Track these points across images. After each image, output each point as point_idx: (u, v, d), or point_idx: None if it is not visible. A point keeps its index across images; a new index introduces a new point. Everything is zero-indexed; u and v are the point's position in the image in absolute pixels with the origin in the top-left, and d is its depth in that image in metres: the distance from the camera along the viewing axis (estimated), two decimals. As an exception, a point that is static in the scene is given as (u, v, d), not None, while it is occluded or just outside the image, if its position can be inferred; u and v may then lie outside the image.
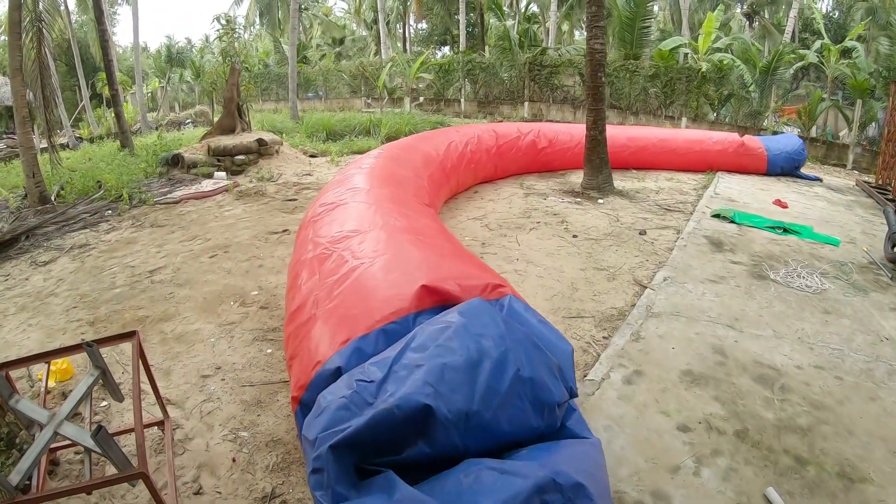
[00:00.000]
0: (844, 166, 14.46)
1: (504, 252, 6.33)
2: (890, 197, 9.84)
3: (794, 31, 21.74)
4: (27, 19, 8.60)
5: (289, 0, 19.72)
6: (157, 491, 2.09)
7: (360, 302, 2.80)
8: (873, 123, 15.28)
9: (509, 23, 26.34)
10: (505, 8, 29.39)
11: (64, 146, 18.19)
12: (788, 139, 11.87)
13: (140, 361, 2.74)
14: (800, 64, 17.97)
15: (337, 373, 2.39)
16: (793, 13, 21.08)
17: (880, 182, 11.17)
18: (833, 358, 4.26)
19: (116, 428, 3.10)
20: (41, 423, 2.14)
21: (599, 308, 4.95)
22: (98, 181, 8.98)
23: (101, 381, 2.54)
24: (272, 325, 4.39)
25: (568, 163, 11.12)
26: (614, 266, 5.99)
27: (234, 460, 2.87)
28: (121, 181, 8.88)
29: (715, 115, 18.40)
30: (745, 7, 24.86)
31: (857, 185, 11.77)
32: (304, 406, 2.49)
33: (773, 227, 7.65)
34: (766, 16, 25.15)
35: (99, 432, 1.98)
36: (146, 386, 3.08)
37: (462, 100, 23.06)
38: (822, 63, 17.56)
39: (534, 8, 32.24)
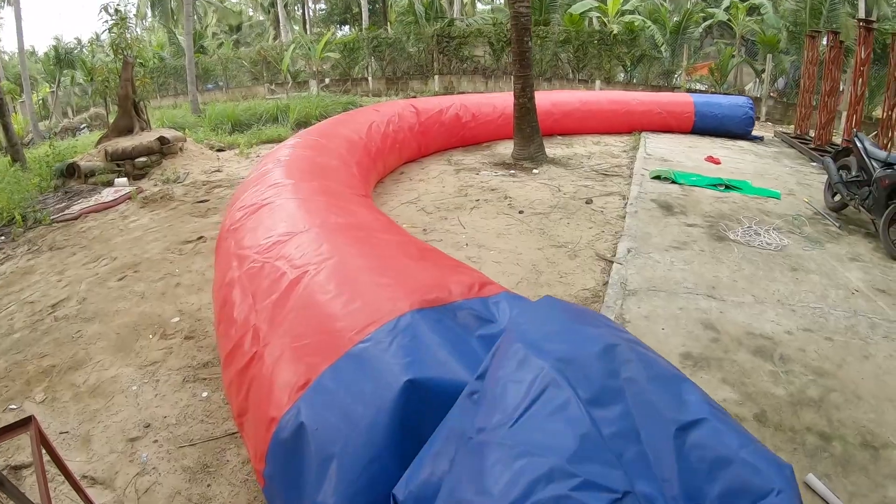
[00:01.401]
0: (758, 118, 14.84)
1: (450, 237, 5.82)
2: (812, 146, 10.06)
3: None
4: None
5: (179, -14, 18.19)
6: None
7: (313, 324, 2.18)
8: (781, 77, 15.77)
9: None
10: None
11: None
12: (735, 102, 11.77)
13: (46, 452, 2.06)
14: (709, 22, 18.32)
15: (300, 430, 1.78)
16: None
17: (799, 132, 11.45)
18: (816, 318, 4.12)
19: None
20: None
21: (570, 291, 4.56)
22: (-12, 205, 7.71)
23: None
24: (203, 360, 3.68)
25: (492, 134, 10.75)
26: (571, 241, 5.64)
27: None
28: (12, 201, 7.65)
29: (627, 76, 18.55)
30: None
31: (776, 136, 12.05)
32: (270, 483, 1.90)
33: (714, 185, 7.57)
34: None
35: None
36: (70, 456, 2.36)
37: (370, 78, 22.22)
38: (731, 20, 17.96)
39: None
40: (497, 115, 10.57)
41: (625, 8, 18.81)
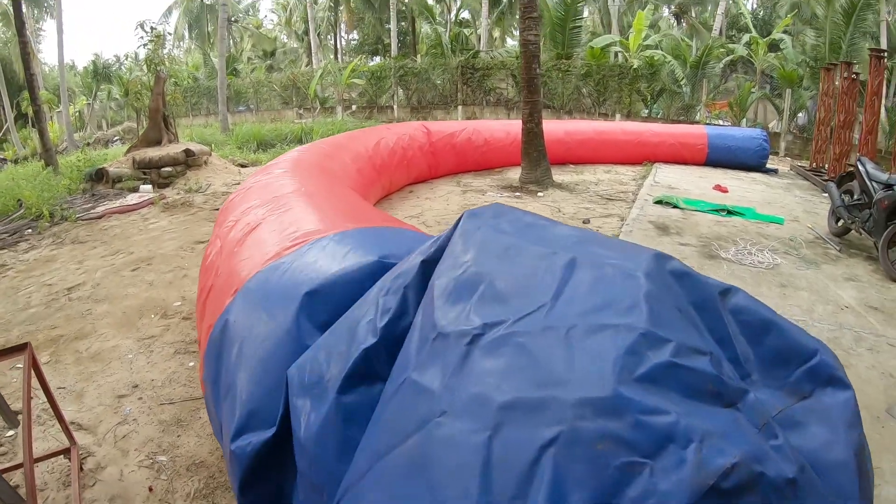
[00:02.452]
0: (777, 154, 14.90)
1: (450, 249, 6.00)
2: (826, 178, 10.08)
3: (721, 29, 22.36)
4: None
5: (217, 11, 19.01)
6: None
7: (255, 249, 2.48)
8: (802, 112, 15.84)
9: (441, 29, 26.24)
10: (437, 17, 29.41)
11: (-14, 168, 16.98)
12: (749, 134, 11.84)
13: (37, 379, 2.29)
14: (729, 58, 18.50)
15: (225, 328, 2.01)
16: (720, 10, 21.74)
17: (814, 165, 11.48)
18: (797, 330, 4.15)
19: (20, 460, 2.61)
20: None
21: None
22: (18, 200, 8.21)
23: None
24: (195, 336, 3.92)
25: (505, 160, 10.92)
26: (567, 255, 5.76)
27: (150, 489, 2.43)
28: (41, 198, 8.14)
29: (648, 110, 18.74)
30: (673, 7, 25.55)
31: (791, 169, 12.09)
32: (206, 384, 2.13)
33: (716, 210, 7.65)
34: (694, 15, 25.95)
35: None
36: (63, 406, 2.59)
37: (395, 106, 22.78)
38: (751, 56, 18.13)
39: (465, 15, 32.35)
40: (510, 141, 10.75)
41: (646, 43, 19.10)
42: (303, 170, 4.80)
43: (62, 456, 2.53)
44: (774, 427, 1.05)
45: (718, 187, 9.30)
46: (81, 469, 2.50)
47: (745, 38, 18.67)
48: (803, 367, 1.22)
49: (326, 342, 1.58)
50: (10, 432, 2.84)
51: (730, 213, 7.56)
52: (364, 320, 1.49)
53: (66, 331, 4.08)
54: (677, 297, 1.21)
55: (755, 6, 31.01)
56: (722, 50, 17.98)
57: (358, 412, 1.36)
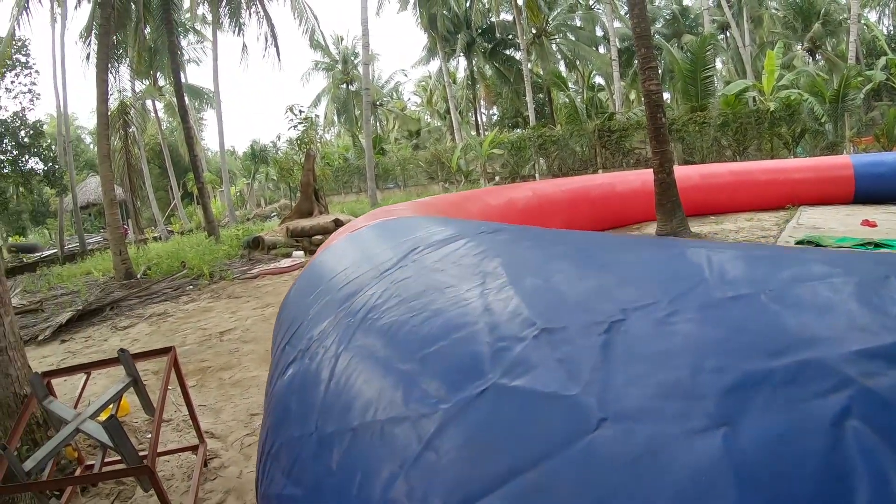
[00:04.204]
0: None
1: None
2: None
3: (857, 56, 20.48)
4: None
5: (362, 95, 21.10)
6: (162, 488, 2.05)
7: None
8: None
9: (575, 95, 26.71)
10: (571, 84, 30.07)
11: (156, 239, 20.10)
12: None
13: (177, 379, 2.87)
14: (869, 86, 16.94)
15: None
16: (853, 37, 20.09)
17: None
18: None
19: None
20: (67, 420, 2.24)
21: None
22: (182, 262, 9.74)
23: (133, 390, 2.64)
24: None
25: (643, 214, 10.71)
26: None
27: (263, 486, 2.85)
28: (203, 260, 9.58)
29: (792, 154, 17.55)
30: (805, 44, 23.92)
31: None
32: None
33: (863, 245, 7.05)
34: (829, 49, 24.12)
35: (110, 420, 2.05)
36: (200, 419, 3.12)
37: (536, 174, 23.28)
38: (891, 79, 16.42)
39: (599, 80, 32.73)
40: (648, 191, 10.62)
41: (781, 84, 18.02)
42: (423, 210, 5.29)
43: (190, 452, 3.06)
44: None
45: (867, 222, 8.53)
46: (206, 465, 2.98)
47: (882, 61, 16.94)
48: None
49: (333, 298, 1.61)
50: (148, 434, 3.46)
51: (877, 246, 6.95)
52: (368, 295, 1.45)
53: (213, 363, 4.84)
54: None
55: (891, 30, 28.16)
56: (860, 78, 16.46)
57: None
